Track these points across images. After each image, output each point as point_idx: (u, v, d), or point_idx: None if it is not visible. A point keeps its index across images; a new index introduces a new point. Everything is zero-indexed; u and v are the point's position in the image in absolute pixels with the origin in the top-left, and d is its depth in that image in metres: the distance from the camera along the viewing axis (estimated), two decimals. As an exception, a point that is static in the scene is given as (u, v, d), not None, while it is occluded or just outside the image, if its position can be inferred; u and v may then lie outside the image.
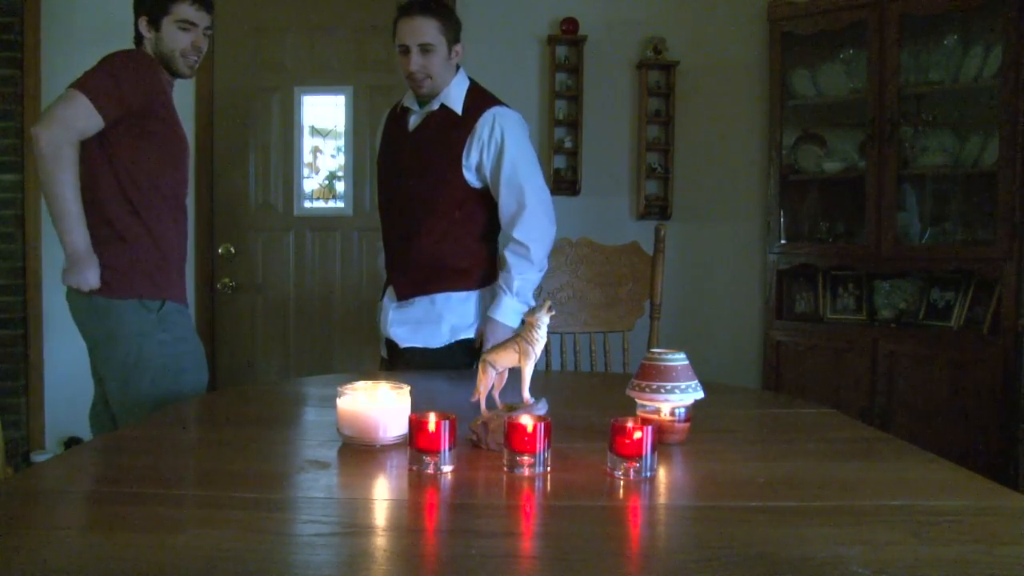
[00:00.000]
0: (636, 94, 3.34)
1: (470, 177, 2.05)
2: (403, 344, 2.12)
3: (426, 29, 2.01)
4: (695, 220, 3.39)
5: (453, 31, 2.07)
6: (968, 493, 0.98)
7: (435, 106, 2.09)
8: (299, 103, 3.33)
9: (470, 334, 2.12)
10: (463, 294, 2.10)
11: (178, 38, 1.96)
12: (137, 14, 1.96)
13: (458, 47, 2.09)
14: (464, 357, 2.14)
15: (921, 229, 3.06)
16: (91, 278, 1.85)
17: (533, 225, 2.03)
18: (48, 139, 1.73)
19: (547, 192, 2.09)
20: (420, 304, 2.10)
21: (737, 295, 3.42)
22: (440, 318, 2.08)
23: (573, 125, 3.31)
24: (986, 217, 2.86)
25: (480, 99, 2.10)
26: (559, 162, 3.35)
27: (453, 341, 2.10)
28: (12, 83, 3.16)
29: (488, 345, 1.98)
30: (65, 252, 1.83)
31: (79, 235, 1.81)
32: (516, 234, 2.03)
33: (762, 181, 3.33)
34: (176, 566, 0.73)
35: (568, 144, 3.32)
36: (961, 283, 2.93)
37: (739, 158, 3.38)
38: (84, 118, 1.78)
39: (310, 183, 3.37)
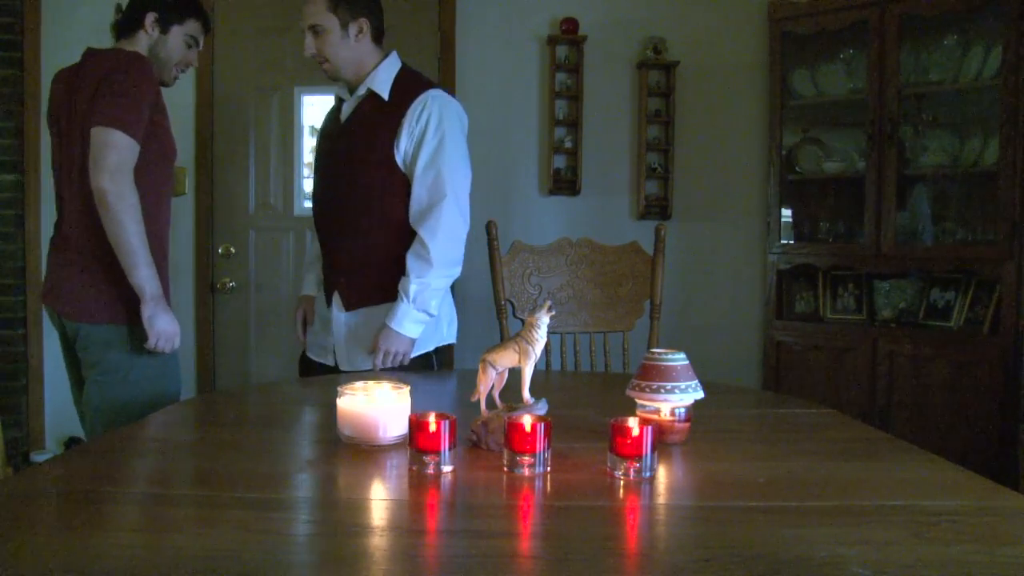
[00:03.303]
0: (636, 94, 3.34)
1: (403, 168, 1.89)
2: (346, 368, 1.94)
3: (313, 10, 1.88)
4: (695, 220, 3.39)
5: (348, 7, 1.89)
6: (968, 493, 0.98)
7: (362, 92, 1.93)
8: (299, 103, 3.33)
9: (431, 345, 1.96)
10: None
11: (180, 50, 1.99)
12: (145, 8, 1.93)
13: (361, 22, 1.90)
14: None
15: (921, 229, 3.06)
16: (172, 326, 1.84)
17: (440, 222, 1.83)
18: (116, 192, 1.75)
19: (466, 189, 1.91)
20: (374, 316, 1.90)
21: (737, 295, 3.42)
22: None
23: (573, 125, 3.31)
24: (986, 217, 2.86)
25: (413, 83, 1.93)
26: (559, 162, 3.35)
27: (413, 356, 1.92)
28: (12, 83, 3.16)
29: (379, 355, 1.85)
30: (142, 298, 1.81)
31: (153, 278, 1.82)
32: (420, 230, 1.85)
33: (762, 181, 3.34)
34: (175, 566, 0.73)
35: (568, 144, 3.32)
36: (961, 283, 2.94)
37: (739, 158, 3.39)
38: (130, 154, 1.80)
39: (310, 183, 3.37)
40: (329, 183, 2.00)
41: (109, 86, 1.79)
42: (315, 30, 1.89)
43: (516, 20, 3.33)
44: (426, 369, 1.97)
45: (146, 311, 1.81)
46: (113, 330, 1.88)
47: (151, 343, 1.82)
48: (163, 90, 2.04)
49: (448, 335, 2.05)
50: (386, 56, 1.97)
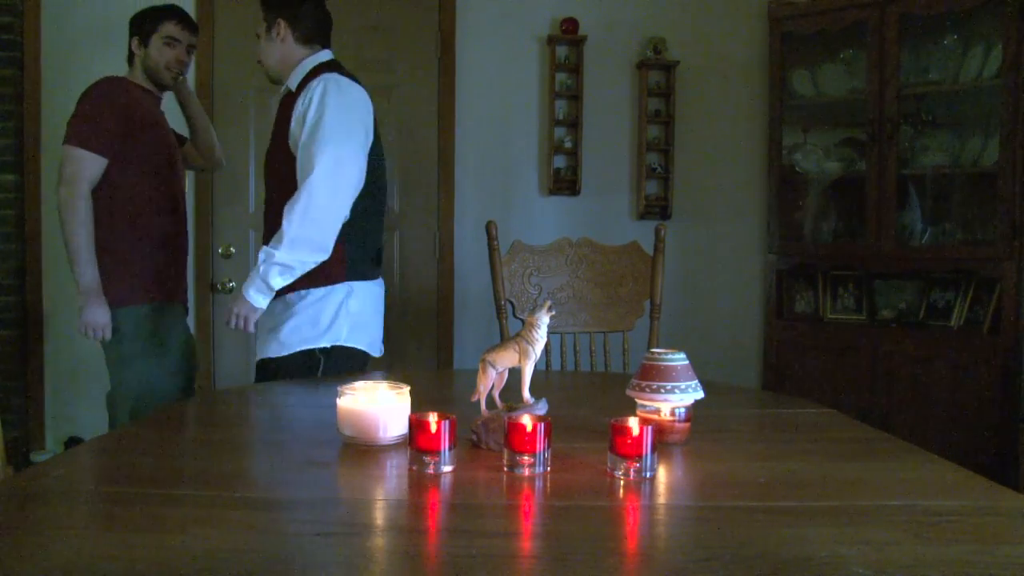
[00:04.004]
0: (636, 94, 3.34)
1: (295, 153, 1.87)
2: (258, 356, 1.96)
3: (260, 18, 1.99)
4: (695, 220, 3.39)
5: (268, 11, 1.95)
6: (968, 493, 0.98)
7: (283, 89, 1.99)
8: (299, 103, 3.33)
9: (324, 342, 1.88)
10: (319, 291, 1.88)
11: (164, 52, 2.23)
12: (130, 36, 2.22)
13: (279, 24, 1.93)
14: (312, 371, 1.88)
15: (921, 229, 3.06)
16: (100, 318, 2.11)
17: (299, 199, 1.76)
18: (64, 198, 2.07)
19: (343, 172, 1.79)
20: (275, 306, 1.91)
21: (737, 295, 3.42)
22: (284, 323, 1.88)
23: (573, 125, 3.31)
24: (986, 217, 2.86)
25: (320, 72, 1.89)
26: (559, 162, 3.35)
27: (299, 350, 1.88)
28: (12, 83, 3.16)
29: (226, 314, 1.86)
30: (79, 289, 2.10)
31: (89, 274, 2.10)
32: (286, 206, 1.80)
33: (762, 181, 3.34)
34: (176, 566, 0.73)
35: (568, 144, 3.32)
36: (961, 283, 2.94)
37: (739, 158, 3.39)
38: (87, 167, 2.09)
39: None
40: (264, 179, 2.06)
41: (75, 109, 2.12)
42: (257, 35, 2.00)
43: (516, 20, 3.33)
44: (310, 368, 1.89)
45: (79, 302, 2.11)
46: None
47: (80, 330, 2.12)
48: (167, 96, 2.35)
49: (349, 338, 1.92)
50: (312, 52, 1.98)
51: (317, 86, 1.83)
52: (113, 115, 2.11)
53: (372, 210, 1.96)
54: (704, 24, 3.36)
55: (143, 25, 2.22)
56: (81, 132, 2.08)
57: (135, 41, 2.22)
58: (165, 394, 2.20)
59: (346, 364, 1.93)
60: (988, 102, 2.83)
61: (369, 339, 1.98)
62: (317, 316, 1.88)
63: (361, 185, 1.86)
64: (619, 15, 3.34)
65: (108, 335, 2.12)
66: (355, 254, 1.92)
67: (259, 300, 1.82)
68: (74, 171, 2.07)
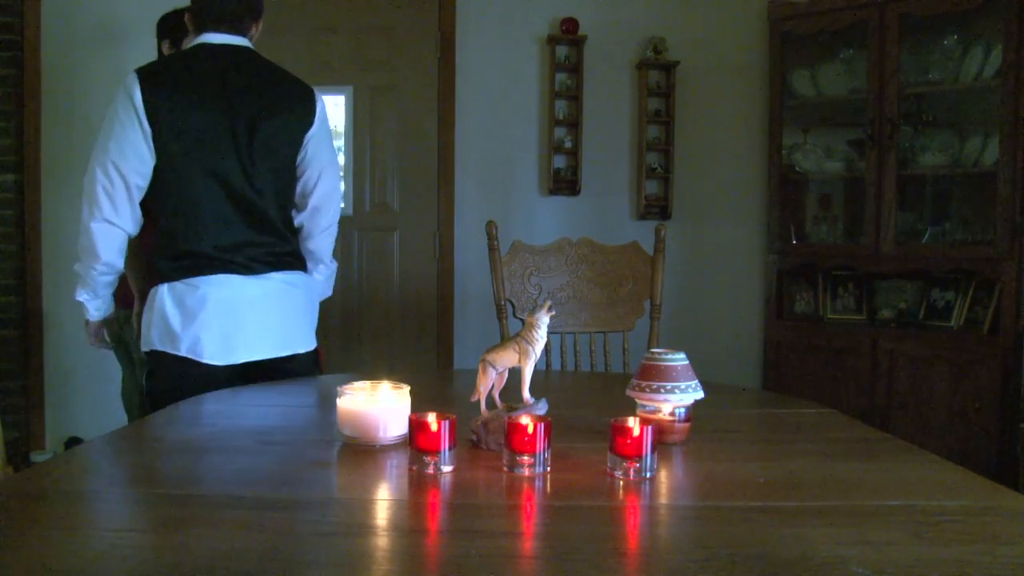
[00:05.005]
0: (636, 94, 3.34)
1: None
2: None
3: None
4: (695, 220, 3.39)
5: None
6: (968, 493, 0.98)
7: None
8: (299, 103, 3.33)
9: (145, 347, 1.80)
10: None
11: None
12: (160, 38, 2.25)
13: (188, 21, 1.85)
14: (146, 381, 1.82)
15: (921, 229, 3.06)
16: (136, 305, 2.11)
17: None
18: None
19: (95, 175, 1.68)
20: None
21: (737, 295, 3.42)
22: None
23: (573, 125, 3.31)
24: (986, 217, 2.86)
25: None
26: (559, 162, 3.35)
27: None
28: (12, 83, 3.16)
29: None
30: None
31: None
32: None
33: (762, 181, 3.34)
34: (176, 566, 0.73)
35: (568, 144, 3.32)
36: (961, 283, 2.94)
37: (739, 158, 3.39)
38: None
39: (310, 183, 3.37)
40: None
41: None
42: None
43: (516, 20, 3.33)
44: (151, 374, 1.80)
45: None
46: None
47: (134, 322, 2.07)
48: None
49: (162, 343, 1.75)
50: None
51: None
52: None
53: (184, 206, 1.74)
54: (704, 24, 3.36)
55: (170, 31, 2.21)
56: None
57: (166, 44, 2.23)
58: None
59: (163, 370, 1.76)
60: (988, 102, 2.83)
61: (187, 344, 1.73)
62: (142, 320, 1.84)
63: (117, 183, 1.68)
64: (619, 15, 3.34)
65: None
66: (163, 254, 1.76)
67: (85, 312, 1.86)
68: None
